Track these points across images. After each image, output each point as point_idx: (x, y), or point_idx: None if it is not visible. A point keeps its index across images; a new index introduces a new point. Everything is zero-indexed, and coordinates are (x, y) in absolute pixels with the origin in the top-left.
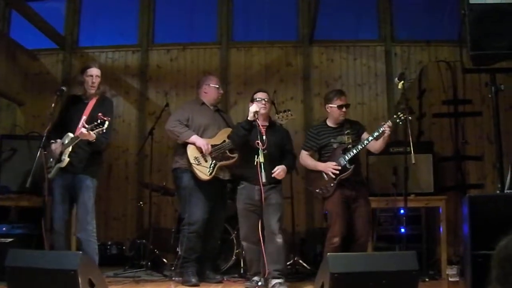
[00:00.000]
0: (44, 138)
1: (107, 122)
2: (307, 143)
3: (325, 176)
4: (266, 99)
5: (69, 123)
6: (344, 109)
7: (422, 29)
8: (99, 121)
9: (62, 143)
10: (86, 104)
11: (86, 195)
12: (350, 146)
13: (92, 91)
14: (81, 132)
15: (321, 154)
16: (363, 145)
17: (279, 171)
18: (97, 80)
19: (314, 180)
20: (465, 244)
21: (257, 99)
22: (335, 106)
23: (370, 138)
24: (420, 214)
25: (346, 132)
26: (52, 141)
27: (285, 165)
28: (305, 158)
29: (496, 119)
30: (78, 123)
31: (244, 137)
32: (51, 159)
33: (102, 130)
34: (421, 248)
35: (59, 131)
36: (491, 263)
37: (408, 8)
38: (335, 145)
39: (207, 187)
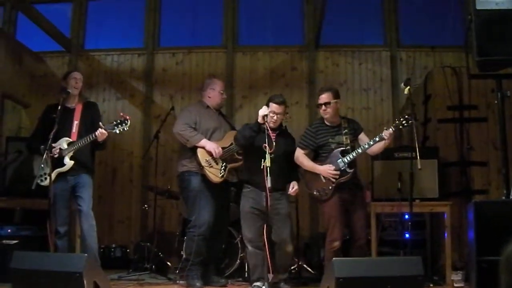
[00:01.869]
0: (50, 141)
1: (128, 121)
2: (304, 141)
3: (323, 178)
4: (278, 113)
5: (60, 129)
6: (323, 108)
7: (427, 34)
8: (120, 120)
9: (60, 149)
10: (73, 110)
11: (89, 192)
12: (348, 147)
13: (75, 92)
14: (102, 133)
15: (318, 154)
16: (363, 149)
17: (296, 188)
18: (79, 83)
19: (310, 181)
20: (470, 249)
21: (270, 110)
22: (316, 104)
23: (371, 142)
24: (425, 219)
25: (344, 132)
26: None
27: (296, 180)
28: (301, 158)
29: (502, 125)
30: (70, 129)
31: (250, 138)
32: (42, 165)
33: (124, 128)
34: (426, 254)
35: (41, 138)
36: (500, 269)
37: (414, 13)
38: (333, 146)
39: (214, 190)
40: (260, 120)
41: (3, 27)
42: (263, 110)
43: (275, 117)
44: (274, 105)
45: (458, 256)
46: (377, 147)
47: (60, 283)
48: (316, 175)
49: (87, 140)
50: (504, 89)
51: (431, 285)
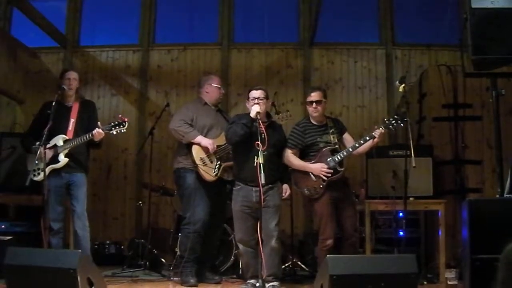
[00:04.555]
0: (44, 137)
1: (126, 123)
2: (293, 141)
3: (313, 176)
4: (261, 97)
5: (56, 127)
6: (314, 106)
7: (422, 32)
8: (118, 121)
9: (55, 145)
10: (70, 108)
11: (83, 191)
12: (336, 146)
13: (70, 92)
14: (99, 133)
15: (306, 153)
16: (355, 147)
17: (289, 192)
18: (74, 83)
19: (300, 180)
20: (464, 248)
21: (251, 99)
22: (306, 102)
23: (362, 141)
24: (419, 217)
25: (331, 131)
26: (36, 144)
27: (286, 181)
28: (291, 158)
29: (496, 123)
30: (66, 126)
31: (245, 135)
32: (37, 162)
33: (121, 130)
34: (420, 252)
35: (36, 135)
36: (499, 266)
37: (409, 11)
38: (321, 145)
39: (209, 188)
40: (253, 115)
41: None
42: (257, 108)
43: (257, 102)
44: (252, 91)
45: (452, 254)
46: (364, 146)
47: (54, 279)
48: (305, 174)
49: (84, 139)
50: (499, 88)
51: (425, 282)
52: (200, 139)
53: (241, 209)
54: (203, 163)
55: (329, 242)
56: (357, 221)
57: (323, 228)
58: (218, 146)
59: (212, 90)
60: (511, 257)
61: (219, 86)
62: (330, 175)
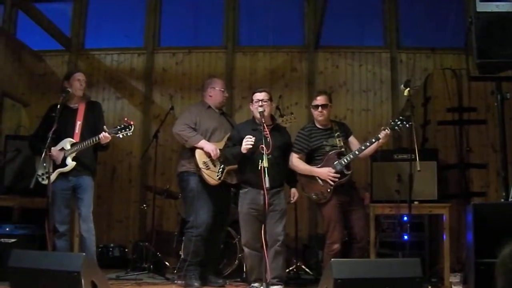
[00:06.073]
0: (49, 140)
1: (132, 127)
2: (298, 145)
3: (320, 181)
4: (265, 99)
5: (62, 129)
6: (320, 109)
7: (427, 36)
8: (124, 125)
9: (63, 148)
10: (76, 110)
11: (89, 195)
12: (343, 149)
13: (80, 94)
14: (105, 137)
15: (312, 157)
16: (361, 150)
17: (296, 196)
18: (84, 84)
19: (307, 184)
20: (469, 251)
21: (255, 101)
22: (312, 106)
23: (368, 143)
24: (424, 221)
25: (336, 134)
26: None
27: (294, 185)
28: (297, 163)
29: (501, 127)
30: (73, 129)
31: (238, 157)
32: (44, 164)
33: (127, 133)
34: (424, 256)
35: (42, 138)
36: (496, 273)
37: (414, 15)
38: (327, 148)
39: (213, 191)
40: (243, 150)
41: (3, 25)
42: (248, 144)
43: (261, 104)
44: (256, 94)
45: (457, 258)
46: (369, 149)
47: (58, 282)
48: (313, 178)
49: (91, 143)
50: (503, 92)
51: (429, 287)
52: (203, 143)
53: (249, 211)
54: (206, 167)
55: (336, 246)
56: (367, 224)
57: (330, 232)
58: (221, 150)
59: (215, 93)
60: (508, 264)
61: (222, 89)
62: (337, 179)
